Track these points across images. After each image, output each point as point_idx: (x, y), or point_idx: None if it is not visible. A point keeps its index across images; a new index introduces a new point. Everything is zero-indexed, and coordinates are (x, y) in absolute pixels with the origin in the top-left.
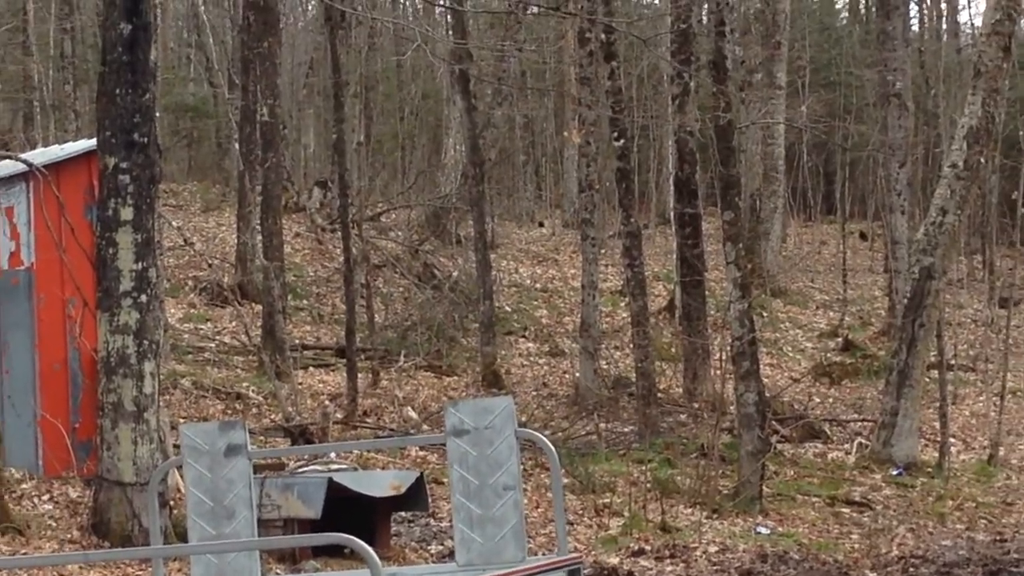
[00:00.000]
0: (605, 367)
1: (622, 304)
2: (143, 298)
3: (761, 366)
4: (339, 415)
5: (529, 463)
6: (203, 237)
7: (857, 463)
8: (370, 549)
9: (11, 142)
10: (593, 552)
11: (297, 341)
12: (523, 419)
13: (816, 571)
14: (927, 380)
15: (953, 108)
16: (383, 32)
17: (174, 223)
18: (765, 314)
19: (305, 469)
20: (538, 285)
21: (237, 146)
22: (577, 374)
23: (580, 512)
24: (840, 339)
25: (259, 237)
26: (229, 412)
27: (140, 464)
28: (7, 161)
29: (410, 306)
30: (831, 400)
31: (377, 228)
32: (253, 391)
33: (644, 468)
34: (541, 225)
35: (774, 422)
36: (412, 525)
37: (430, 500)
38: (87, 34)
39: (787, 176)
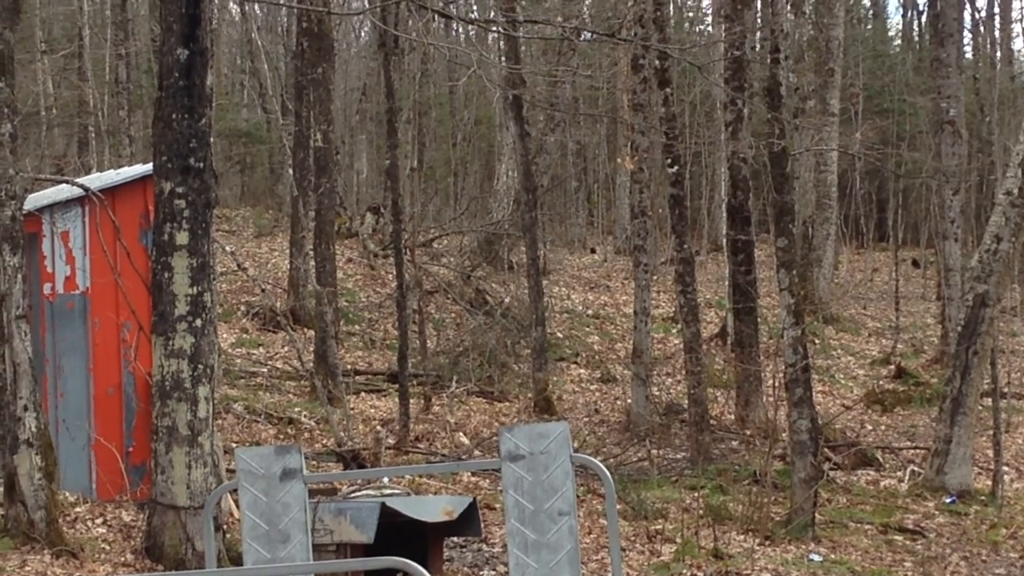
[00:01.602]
0: (657, 393)
1: (674, 331)
2: (198, 323)
3: (814, 393)
4: (391, 440)
5: (580, 489)
6: (256, 262)
7: (910, 491)
8: (425, 573)
9: (66, 167)
10: None
11: (349, 366)
12: (575, 445)
13: None
14: (980, 408)
15: (1007, 135)
16: (436, 58)
17: (227, 248)
18: (818, 341)
19: (358, 494)
20: (590, 311)
21: (290, 171)
22: (629, 400)
23: (632, 538)
24: (893, 366)
25: (312, 262)
26: (281, 437)
27: (194, 488)
28: (63, 186)
29: (462, 332)
30: (883, 428)
31: (429, 254)
32: (305, 416)
33: (696, 495)
34: (593, 251)
35: (827, 449)
36: (464, 550)
37: (482, 525)
38: (142, 59)
39: (840, 203)
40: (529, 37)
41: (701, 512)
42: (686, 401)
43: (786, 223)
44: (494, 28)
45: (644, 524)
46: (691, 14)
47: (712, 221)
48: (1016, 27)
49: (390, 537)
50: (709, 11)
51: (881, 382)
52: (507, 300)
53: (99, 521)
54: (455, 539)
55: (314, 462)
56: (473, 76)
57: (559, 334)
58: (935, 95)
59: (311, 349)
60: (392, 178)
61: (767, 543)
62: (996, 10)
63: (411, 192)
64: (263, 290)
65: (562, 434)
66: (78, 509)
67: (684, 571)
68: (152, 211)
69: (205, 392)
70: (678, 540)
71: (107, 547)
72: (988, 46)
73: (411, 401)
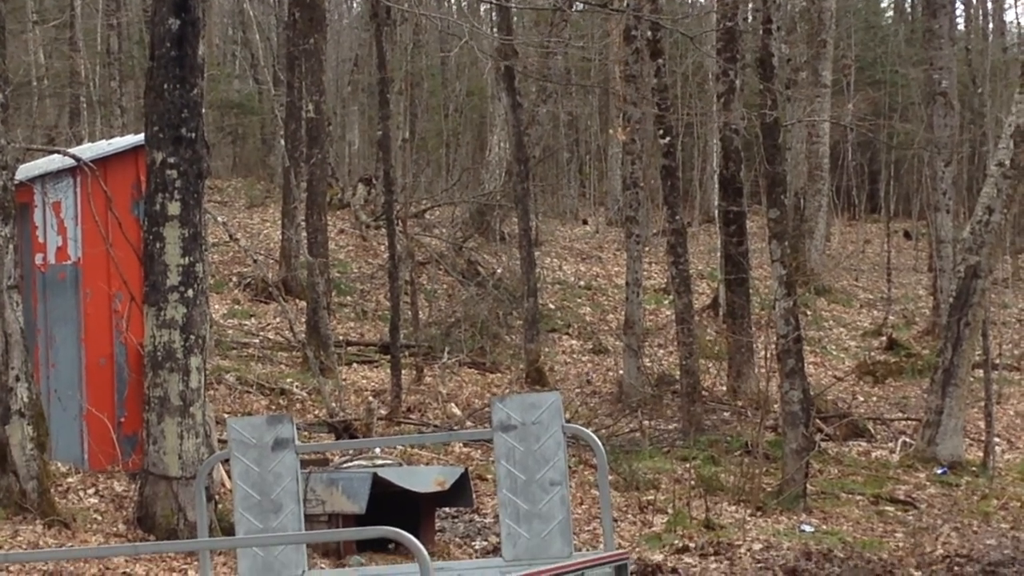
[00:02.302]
0: (649, 364)
1: (666, 302)
2: (190, 293)
3: (805, 364)
4: (383, 411)
5: (573, 460)
6: (248, 233)
7: (901, 462)
8: (418, 543)
9: (58, 138)
10: (637, 549)
11: (341, 337)
12: (567, 416)
13: (860, 569)
14: (972, 379)
15: (999, 107)
16: (428, 29)
17: (219, 219)
18: (809, 312)
19: (350, 464)
20: (582, 282)
21: (282, 142)
22: (621, 371)
23: (624, 509)
24: (884, 338)
25: (304, 233)
26: (273, 408)
27: (186, 458)
28: (55, 156)
29: (454, 303)
30: (875, 399)
31: (421, 225)
32: (297, 387)
33: (688, 465)
34: (585, 223)
35: (818, 420)
36: (456, 521)
37: (474, 496)
38: (133, 30)
39: (832, 174)
40: (521, 8)
41: (693, 483)
42: (678, 372)
43: (778, 194)
44: None
45: (636, 495)
46: None
47: (704, 192)
48: None
49: (382, 507)
50: None
51: (873, 353)
52: (499, 271)
53: (91, 491)
54: (447, 509)
55: (306, 433)
56: (465, 47)
57: (551, 305)
58: (927, 67)
59: (303, 320)
60: (384, 149)
61: (759, 514)
62: None
63: (403, 163)
64: (255, 261)
65: (554, 404)
66: (70, 479)
67: (676, 541)
68: (144, 182)
69: (197, 363)
70: (670, 511)
71: (99, 517)
72: (980, 17)
73: (403, 372)
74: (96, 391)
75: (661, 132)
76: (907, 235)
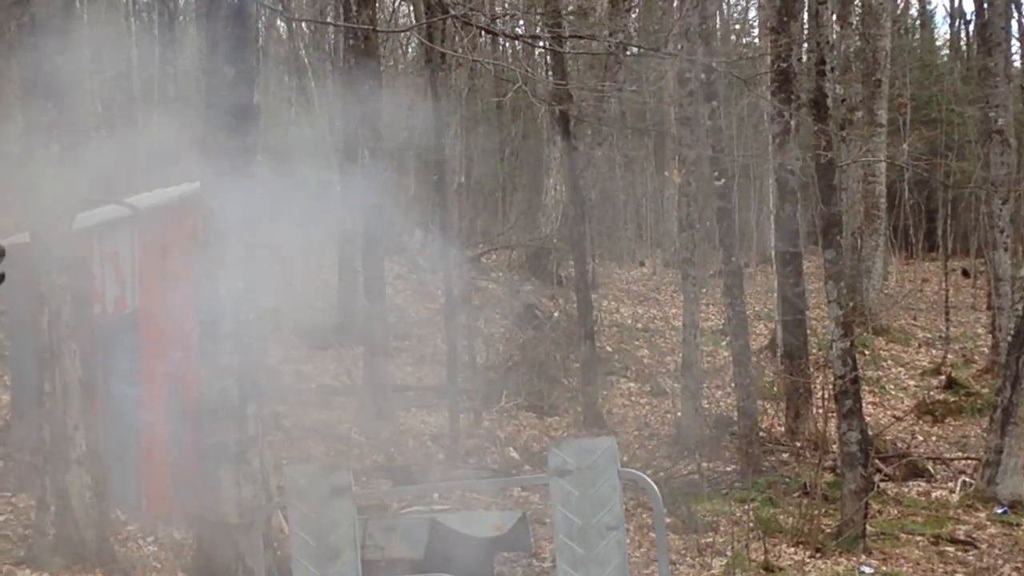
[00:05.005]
0: (707, 406)
1: (724, 343)
2: (245, 340)
3: (864, 404)
4: (441, 455)
5: (631, 503)
6: (304, 279)
7: (961, 501)
8: None
9: (115, 187)
10: None
11: (399, 382)
12: (625, 459)
13: None
14: None
15: None
16: (483, 73)
17: (275, 265)
18: (867, 352)
19: (408, 510)
20: (639, 325)
21: (338, 188)
22: (679, 413)
23: (683, 552)
24: (943, 377)
25: (361, 278)
26: (331, 453)
27: (243, 505)
28: (112, 206)
29: (511, 346)
30: (934, 438)
31: (478, 269)
32: (355, 432)
33: (746, 507)
34: (642, 264)
35: (877, 460)
36: (515, 565)
37: (532, 540)
38: (189, 77)
39: (889, 214)
40: (575, 53)
41: (751, 525)
42: (736, 414)
43: (833, 235)
44: (540, 44)
45: (695, 537)
46: (737, 26)
47: (760, 233)
48: None
49: (440, 553)
50: (755, 23)
51: (931, 392)
52: (556, 314)
53: (150, 539)
54: (505, 554)
55: (364, 478)
56: (520, 91)
57: (608, 348)
58: (983, 104)
59: (360, 365)
60: (440, 193)
61: (818, 555)
62: None
63: (459, 207)
64: (312, 306)
65: (609, 449)
66: (129, 527)
67: None
68: (200, 229)
69: (253, 409)
70: (728, 553)
71: (158, 565)
72: None
73: (461, 416)
74: (154, 439)
75: (716, 174)
76: (965, 273)
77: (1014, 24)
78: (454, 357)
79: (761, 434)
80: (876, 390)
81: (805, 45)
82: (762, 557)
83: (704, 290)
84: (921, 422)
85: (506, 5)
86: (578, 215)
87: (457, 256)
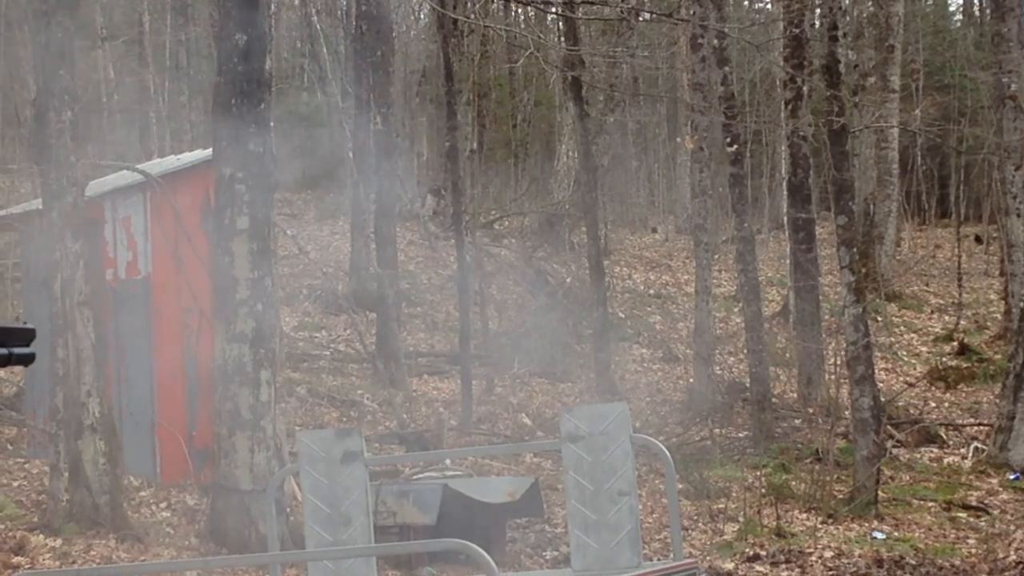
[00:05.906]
0: (719, 372)
1: (736, 309)
2: (259, 307)
3: (876, 371)
4: (453, 422)
5: (643, 469)
6: (317, 246)
7: (973, 467)
8: (487, 555)
9: (127, 153)
10: (708, 557)
11: (411, 348)
12: (637, 425)
13: None
14: None
15: None
16: (495, 40)
17: (288, 232)
18: (880, 318)
19: (420, 476)
20: (651, 291)
21: (351, 155)
22: (691, 380)
23: (695, 517)
24: (955, 343)
25: (373, 245)
26: (344, 419)
27: (257, 471)
28: (124, 172)
29: (524, 313)
30: (947, 404)
31: (490, 235)
32: (368, 398)
33: (759, 473)
34: (654, 231)
35: (889, 427)
36: (527, 531)
37: (544, 506)
38: (202, 45)
39: (901, 180)
40: (587, 19)
41: (763, 491)
42: (748, 380)
43: (846, 201)
44: (552, 9)
45: (707, 503)
46: None
47: (773, 199)
48: None
49: (453, 518)
50: None
51: (944, 359)
52: (568, 280)
53: (163, 505)
54: (518, 520)
55: (377, 444)
56: (532, 57)
57: (621, 314)
58: (996, 70)
59: (373, 332)
60: (452, 160)
61: (830, 521)
62: None
63: (472, 173)
64: (325, 273)
65: (621, 414)
66: (142, 493)
67: (747, 549)
68: (213, 196)
69: (267, 376)
70: (740, 519)
71: (171, 531)
72: None
73: (473, 383)
74: (168, 405)
75: (729, 140)
76: (978, 239)
77: None
78: (466, 323)
79: (773, 400)
80: (888, 356)
81: (818, 10)
82: (774, 523)
83: (716, 256)
84: (933, 388)
85: None
86: (590, 181)
87: (469, 223)
